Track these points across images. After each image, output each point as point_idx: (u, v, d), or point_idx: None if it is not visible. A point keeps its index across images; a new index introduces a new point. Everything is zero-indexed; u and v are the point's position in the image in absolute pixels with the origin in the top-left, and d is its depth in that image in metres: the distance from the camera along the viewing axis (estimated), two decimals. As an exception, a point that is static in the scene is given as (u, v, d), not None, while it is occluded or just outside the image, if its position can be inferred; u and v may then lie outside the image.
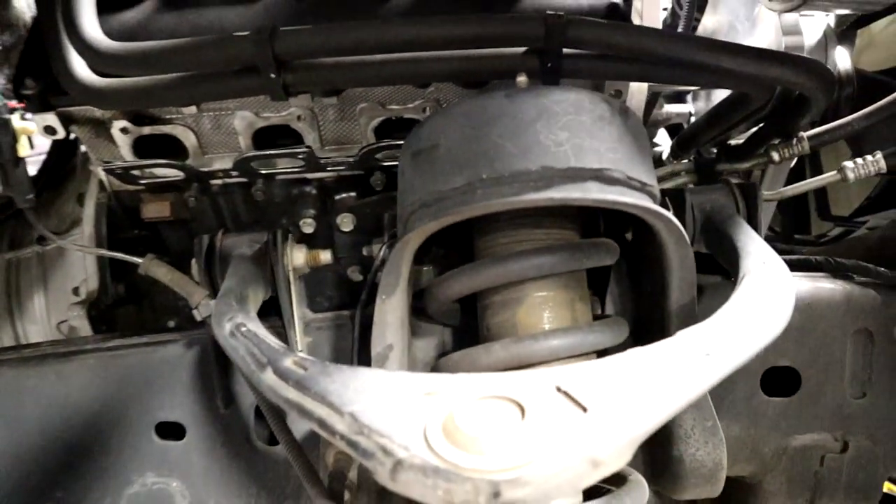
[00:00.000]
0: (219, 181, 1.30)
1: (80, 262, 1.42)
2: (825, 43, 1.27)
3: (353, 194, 1.34)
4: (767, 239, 1.76)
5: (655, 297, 0.88)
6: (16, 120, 0.85)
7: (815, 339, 1.05)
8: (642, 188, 0.79)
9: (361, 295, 1.05)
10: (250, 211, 1.37)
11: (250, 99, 1.18)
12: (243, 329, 0.74)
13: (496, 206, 0.72)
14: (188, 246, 1.27)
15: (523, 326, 0.83)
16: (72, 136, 1.19)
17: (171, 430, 1.00)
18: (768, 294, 0.72)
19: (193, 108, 1.16)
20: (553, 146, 0.74)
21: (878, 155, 1.16)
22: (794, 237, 1.90)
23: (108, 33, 1.05)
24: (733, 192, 1.01)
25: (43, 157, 1.51)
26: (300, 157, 1.19)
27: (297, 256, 1.05)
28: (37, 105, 1.14)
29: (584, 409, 0.57)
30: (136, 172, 1.25)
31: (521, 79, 0.87)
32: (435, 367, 0.87)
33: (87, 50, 0.99)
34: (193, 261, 1.05)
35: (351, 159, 1.25)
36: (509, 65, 1.01)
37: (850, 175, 1.17)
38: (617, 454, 0.55)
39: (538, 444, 0.54)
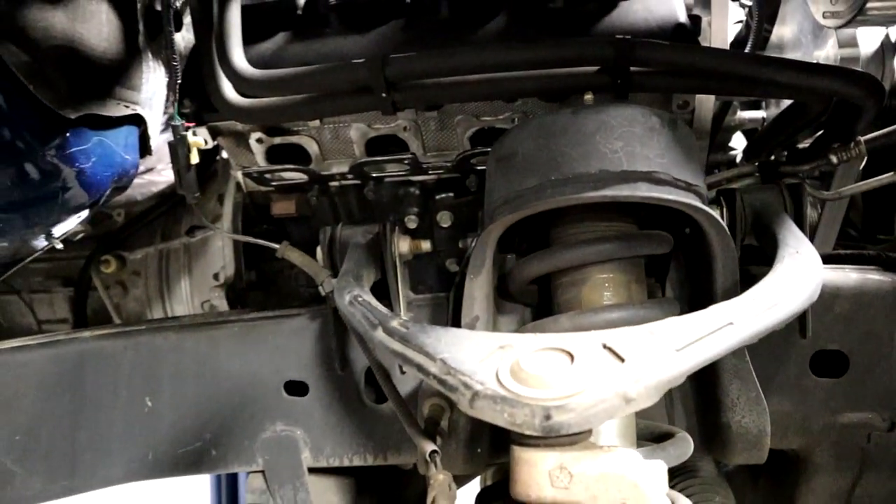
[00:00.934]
0: (336, 183, 1.52)
1: (220, 252, 1.67)
2: (882, 54, 1.35)
3: (451, 194, 1.53)
4: (848, 238, 1.84)
5: (704, 281, 1.02)
6: (189, 136, 1.08)
7: (862, 326, 1.15)
8: (688, 188, 0.93)
9: (456, 279, 1.23)
10: (362, 208, 1.59)
11: (364, 113, 1.39)
12: (360, 299, 0.94)
13: (561, 202, 0.89)
14: (309, 238, 1.50)
15: (586, 302, 0.99)
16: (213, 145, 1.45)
17: (297, 388, 1.22)
18: (792, 278, 0.86)
19: (317, 122, 1.38)
20: (609, 153, 0.90)
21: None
22: (876, 237, 1.95)
23: (249, 62, 1.28)
24: (782, 192, 1.14)
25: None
26: (406, 162, 1.39)
27: (403, 244, 1.25)
28: (193, 120, 1.40)
29: (622, 360, 0.74)
30: (268, 176, 1.49)
31: (588, 97, 1.04)
32: (517, 331, 1.05)
33: (235, 76, 1.22)
34: (318, 248, 1.27)
35: (449, 164, 1.44)
36: (584, 81, 1.18)
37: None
38: (645, 394, 0.71)
39: (582, 381, 0.70)
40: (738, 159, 1.53)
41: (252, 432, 1.25)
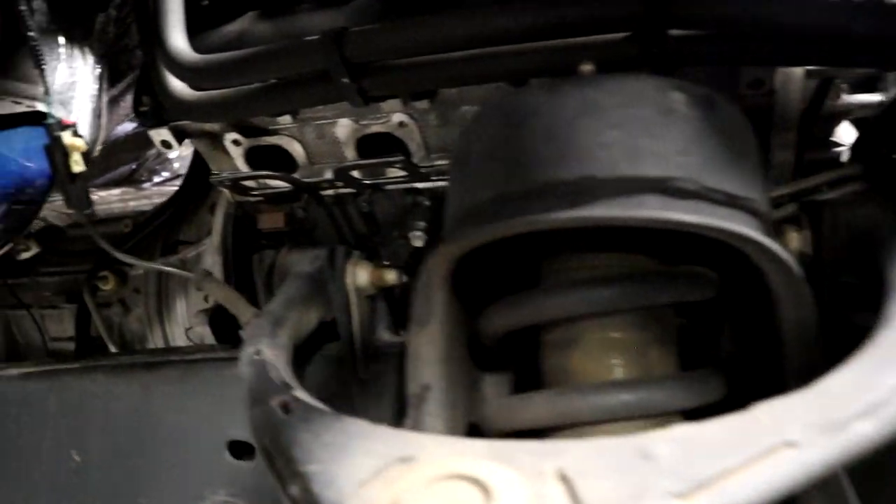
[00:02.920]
0: (331, 192, 1.26)
1: (211, 270, 1.45)
2: None
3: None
4: None
5: (768, 342, 0.68)
6: (67, 137, 0.86)
7: None
8: (731, 203, 0.60)
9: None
10: (366, 222, 1.32)
11: (346, 106, 1.13)
12: (256, 357, 0.68)
13: (518, 226, 0.58)
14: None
15: (578, 374, 0.67)
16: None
17: (242, 450, 0.97)
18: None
19: (288, 118, 1.12)
20: (597, 149, 0.58)
21: None
22: None
23: (210, 48, 1.04)
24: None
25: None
26: (398, 166, 1.11)
27: (361, 275, 0.97)
28: (152, 120, 1.18)
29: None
30: (249, 183, 1.25)
31: (586, 67, 0.72)
32: (481, 413, 0.75)
33: (171, 63, 0.99)
34: (255, 277, 1.02)
35: (456, 168, 1.14)
36: (606, 54, 0.86)
37: None
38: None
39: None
40: (845, 158, 1.14)
41: (191, 500, 1.01)
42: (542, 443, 0.51)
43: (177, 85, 1.04)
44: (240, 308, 0.89)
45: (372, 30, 0.90)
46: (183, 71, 0.97)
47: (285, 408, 0.59)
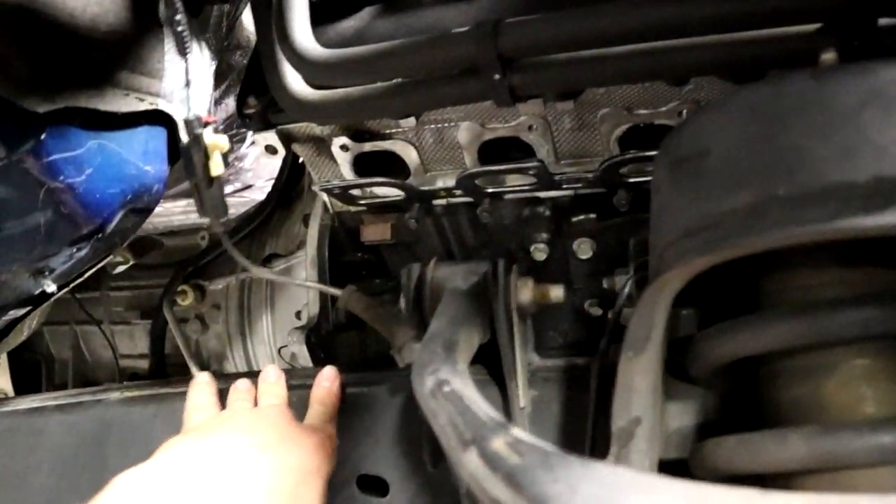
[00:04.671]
0: (442, 201, 1.17)
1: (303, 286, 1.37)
2: None
3: (592, 216, 1.15)
4: None
5: None
6: (208, 135, 0.77)
7: None
8: None
9: (601, 344, 0.84)
10: (477, 234, 1.24)
11: (475, 108, 1.04)
12: (446, 389, 0.58)
13: (802, 235, 0.49)
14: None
15: (834, 407, 0.58)
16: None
17: (374, 485, 0.88)
18: None
19: (412, 121, 1.04)
20: (892, 145, 0.49)
21: None
22: None
23: (326, 44, 0.96)
24: None
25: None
26: (531, 172, 1.02)
27: (523, 293, 0.87)
28: (258, 123, 1.10)
29: None
30: (355, 192, 1.17)
31: (828, 55, 0.62)
32: (696, 451, 0.65)
33: (297, 59, 0.90)
34: (402, 294, 0.93)
35: (590, 175, 1.05)
36: (797, 47, 0.76)
37: None
38: None
39: None
40: None
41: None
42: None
43: (297, 84, 0.96)
44: (393, 329, 0.79)
45: (530, 21, 0.81)
46: (312, 68, 0.89)
47: (517, 451, 0.50)
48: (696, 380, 0.69)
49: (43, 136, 0.69)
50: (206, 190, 0.79)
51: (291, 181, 1.46)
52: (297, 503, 0.78)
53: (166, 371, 1.63)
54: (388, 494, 0.87)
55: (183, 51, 0.82)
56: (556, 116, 1.03)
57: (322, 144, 1.14)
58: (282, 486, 0.78)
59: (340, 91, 0.94)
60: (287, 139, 1.12)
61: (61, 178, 0.71)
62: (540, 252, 1.13)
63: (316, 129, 1.11)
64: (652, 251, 0.64)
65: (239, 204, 1.86)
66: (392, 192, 1.16)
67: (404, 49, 0.86)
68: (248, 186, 1.90)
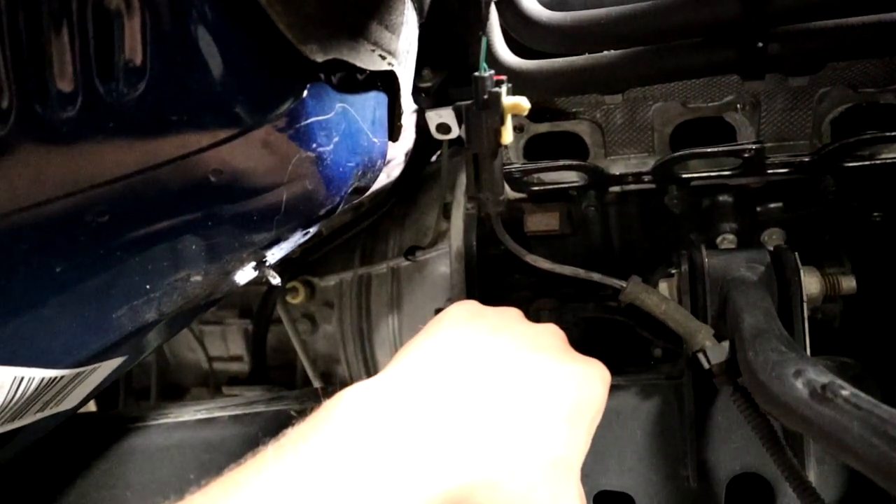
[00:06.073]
0: (617, 189, 1.08)
1: (444, 280, 1.27)
2: None
3: (779, 204, 1.06)
4: None
5: None
6: (504, 94, 0.67)
7: None
8: None
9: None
10: (644, 225, 1.14)
11: (680, 85, 0.95)
12: (844, 393, 0.49)
13: None
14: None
15: None
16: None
17: (617, 502, 0.78)
18: None
19: (618, 98, 0.94)
20: None
21: None
22: None
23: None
24: None
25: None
26: (746, 155, 0.93)
27: (811, 283, 0.78)
28: (434, 100, 1.01)
29: None
30: (526, 178, 1.07)
31: None
32: None
33: (522, 22, 0.81)
34: (664, 284, 0.83)
35: (805, 160, 0.96)
36: None
37: None
38: None
39: None
40: None
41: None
42: None
43: (507, 54, 0.86)
44: (691, 326, 0.69)
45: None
46: (541, 31, 0.79)
47: None
48: None
49: (305, 94, 0.59)
50: (489, 162, 0.69)
51: (419, 167, 1.36)
52: (571, 439, 0.56)
53: (269, 375, 1.52)
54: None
55: (420, 4, 0.72)
56: (770, 95, 0.94)
57: (492, 125, 1.04)
58: (563, 411, 0.56)
59: (560, 61, 0.85)
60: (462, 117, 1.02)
61: (314, 145, 0.61)
62: (728, 243, 1.04)
63: (492, 108, 1.02)
64: None
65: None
66: (567, 178, 1.06)
67: (656, 11, 0.76)
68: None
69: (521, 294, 1.21)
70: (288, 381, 1.56)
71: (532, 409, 0.56)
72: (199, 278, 0.63)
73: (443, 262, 1.25)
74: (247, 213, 0.63)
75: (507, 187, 1.08)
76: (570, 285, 1.14)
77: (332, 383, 1.50)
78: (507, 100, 0.68)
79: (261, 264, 0.69)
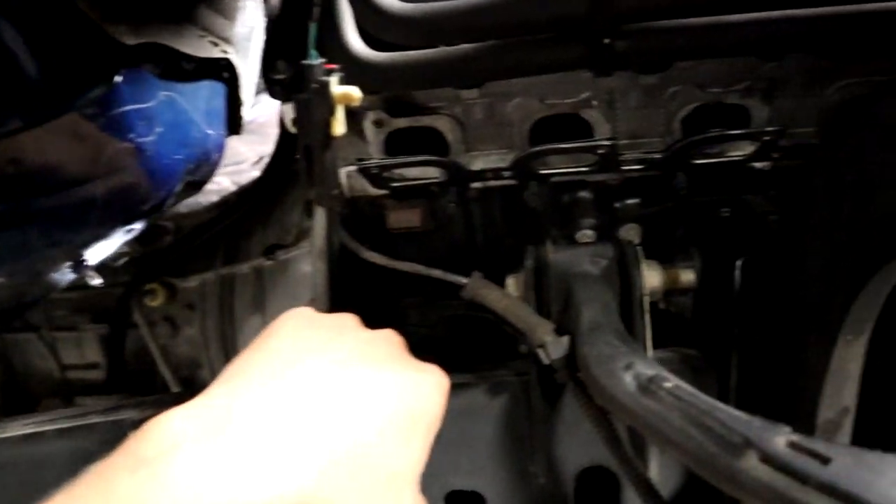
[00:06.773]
0: (479, 184, 1.07)
1: (307, 280, 1.23)
2: None
3: (637, 200, 1.08)
4: None
5: None
6: (334, 84, 0.63)
7: None
8: None
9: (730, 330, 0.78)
10: (507, 220, 1.15)
11: (537, 81, 0.95)
12: (667, 385, 0.49)
13: None
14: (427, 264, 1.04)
15: None
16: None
17: (467, 501, 0.77)
18: None
19: (474, 93, 0.93)
20: None
21: None
22: None
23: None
24: None
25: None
26: (600, 151, 0.94)
27: (652, 276, 0.79)
28: (286, 93, 0.97)
29: None
30: (386, 174, 1.05)
31: None
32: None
33: (373, 13, 0.78)
34: (511, 280, 0.83)
35: (657, 156, 0.98)
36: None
37: None
38: None
39: None
40: None
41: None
42: None
43: (359, 45, 0.84)
44: (531, 322, 0.68)
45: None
46: (395, 24, 0.77)
47: (814, 454, 0.42)
48: None
49: (119, 80, 0.54)
50: (321, 154, 0.66)
51: (284, 163, 1.31)
52: (406, 451, 0.54)
53: (128, 382, 1.43)
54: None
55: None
56: (623, 92, 0.96)
57: (351, 119, 1.01)
58: (397, 423, 0.55)
59: (413, 53, 0.83)
60: (318, 111, 0.98)
61: (131, 135, 0.57)
62: (587, 238, 1.05)
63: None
64: (864, 226, 0.58)
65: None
66: (428, 174, 1.05)
67: (506, 5, 0.76)
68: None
69: (388, 292, 1.19)
70: (149, 388, 1.48)
71: (363, 423, 0.53)
72: (1, 280, 0.57)
73: (306, 261, 1.21)
74: (55, 209, 0.57)
75: (367, 183, 1.06)
76: (439, 282, 1.13)
77: (196, 388, 1.42)
78: (337, 89, 0.65)
79: (79, 265, 0.63)
